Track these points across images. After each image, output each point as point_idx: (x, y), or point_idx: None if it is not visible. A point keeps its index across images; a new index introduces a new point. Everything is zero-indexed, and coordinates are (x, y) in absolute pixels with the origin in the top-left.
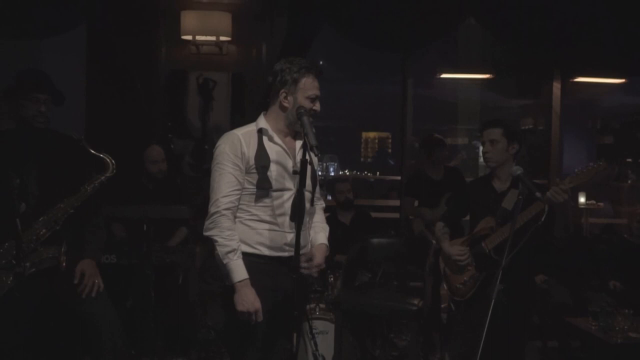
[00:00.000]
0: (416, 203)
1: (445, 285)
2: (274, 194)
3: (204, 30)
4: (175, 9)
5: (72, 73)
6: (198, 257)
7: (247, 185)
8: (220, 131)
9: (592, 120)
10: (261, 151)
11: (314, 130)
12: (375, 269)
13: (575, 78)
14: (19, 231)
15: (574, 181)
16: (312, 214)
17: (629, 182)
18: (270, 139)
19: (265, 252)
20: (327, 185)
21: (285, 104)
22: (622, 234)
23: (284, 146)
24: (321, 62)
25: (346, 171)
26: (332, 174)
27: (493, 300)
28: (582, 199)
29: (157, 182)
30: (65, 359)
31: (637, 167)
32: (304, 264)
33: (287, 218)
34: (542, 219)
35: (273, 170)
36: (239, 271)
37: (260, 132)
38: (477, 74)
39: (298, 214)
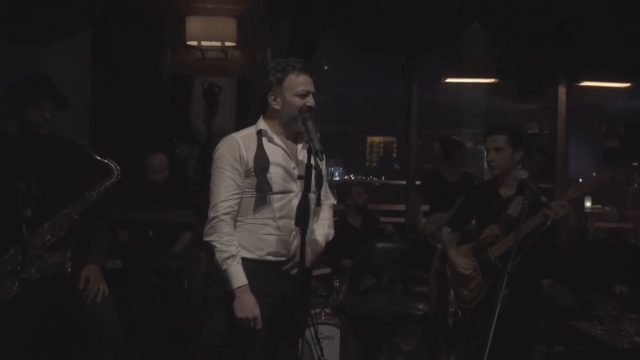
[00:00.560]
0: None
1: (452, 292)
2: (275, 196)
3: (209, 35)
4: (181, 14)
5: (78, 78)
6: (203, 262)
7: (247, 189)
8: (225, 136)
9: (597, 124)
10: (260, 153)
11: (319, 135)
12: (380, 273)
13: (581, 82)
14: (25, 237)
15: (577, 192)
16: (317, 213)
17: (635, 186)
18: (270, 140)
19: (266, 257)
20: (337, 189)
21: (276, 106)
22: (628, 238)
23: (284, 147)
24: (326, 67)
25: (351, 176)
26: (337, 178)
27: (499, 305)
28: (587, 203)
29: (159, 187)
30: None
31: None
32: (287, 266)
33: (289, 221)
34: (547, 225)
35: (273, 173)
36: (238, 277)
37: (260, 133)
38: (481, 78)
39: (303, 219)
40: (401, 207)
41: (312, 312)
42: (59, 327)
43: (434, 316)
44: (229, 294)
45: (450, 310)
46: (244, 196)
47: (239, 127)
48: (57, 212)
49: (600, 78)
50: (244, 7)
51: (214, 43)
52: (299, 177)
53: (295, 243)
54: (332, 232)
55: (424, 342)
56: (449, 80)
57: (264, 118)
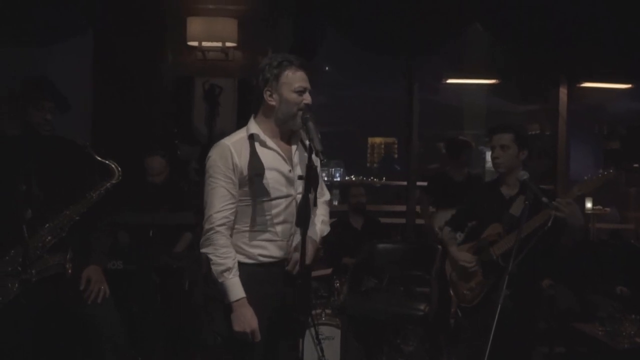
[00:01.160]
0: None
1: (451, 291)
2: (273, 202)
3: (210, 36)
4: (181, 15)
5: (79, 78)
6: (204, 263)
7: (242, 197)
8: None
9: (598, 125)
10: (254, 159)
11: (319, 135)
12: (381, 274)
13: (582, 83)
14: (26, 238)
15: (583, 189)
16: (313, 211)
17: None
18: (263, 145)
19: (265, 260)
20: (340, 189)
21: (272, 103)
22: (629, 239)
23: (278, 150)
24: (327, 68)
25: (352, 177)
26: (338, 179)
27: (499, 306)
28: (588, 204)
29: (158, 189)
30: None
31: None
32: (287, 266)
33: (288, 226)
34: (549, 225)
35: (269, 178)
36: (235, 290)
37: (252, 138)
38: (482, 78)
39: (303, 220)
40: (402, 208)
41: (313, 312)
42: (59, 327)
43: (435, 317)
44: (227, 306)
45: (451, 311)
46: (240, 204)
47: (240, 127)
48: (58, 213)
49: (602, 79)
50: (244, 7)
51: (214, 44)
52: (300, 177)
53: (295, 243)
54: (327, 228)
55: (425, 343)
56: (449, 81)
57: (255, 118)
